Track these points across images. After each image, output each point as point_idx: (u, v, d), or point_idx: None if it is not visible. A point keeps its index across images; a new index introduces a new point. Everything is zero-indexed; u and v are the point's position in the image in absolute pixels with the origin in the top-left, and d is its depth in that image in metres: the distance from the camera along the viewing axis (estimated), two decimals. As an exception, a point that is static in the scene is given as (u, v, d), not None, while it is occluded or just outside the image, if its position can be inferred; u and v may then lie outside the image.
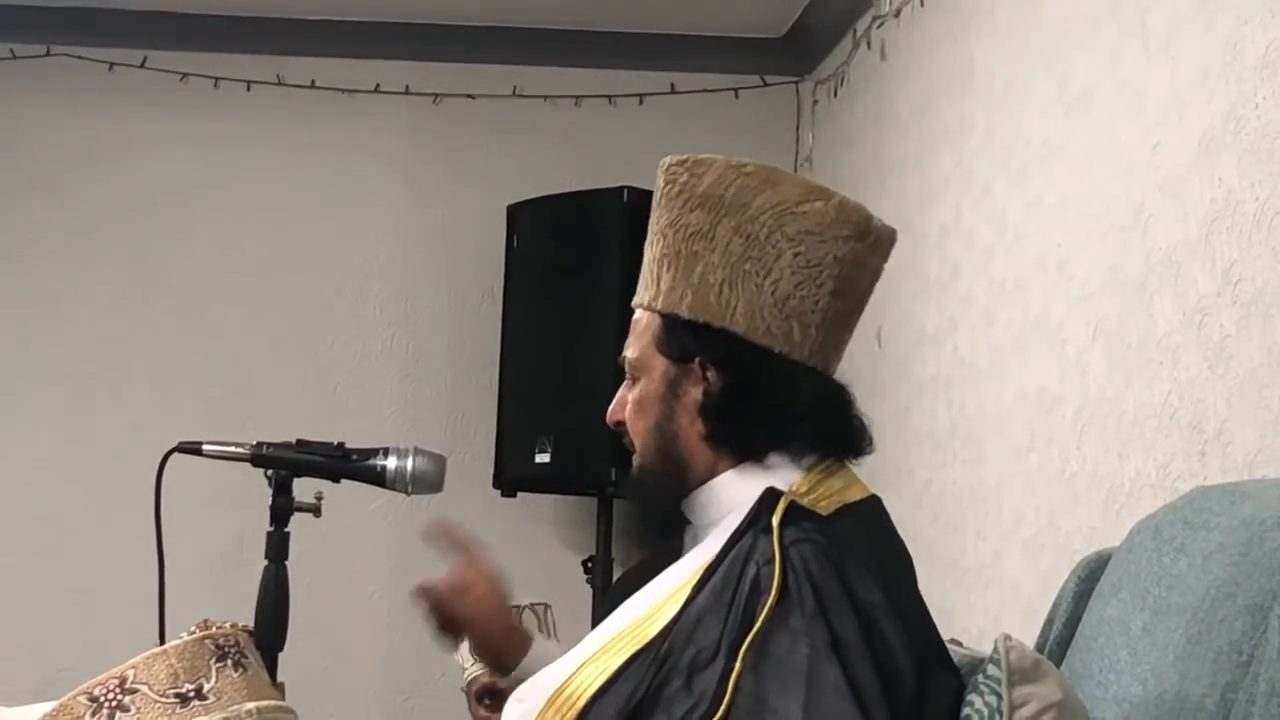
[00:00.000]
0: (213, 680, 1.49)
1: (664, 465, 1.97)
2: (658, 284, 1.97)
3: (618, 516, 4.82)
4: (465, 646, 3.16)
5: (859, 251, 1.96)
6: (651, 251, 2.00)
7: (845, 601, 1.78)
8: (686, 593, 1.85)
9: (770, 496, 1.86)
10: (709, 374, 1.94)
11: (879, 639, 1.77)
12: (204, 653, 1.50)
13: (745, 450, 1.94)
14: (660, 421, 1.97)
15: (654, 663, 1.81)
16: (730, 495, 1.93)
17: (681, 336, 1.95)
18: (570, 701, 1.84)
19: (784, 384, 1.93)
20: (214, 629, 1.58)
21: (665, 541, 2.01)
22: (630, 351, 2.01)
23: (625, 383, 2.03)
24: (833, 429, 1.95)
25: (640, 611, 1.90)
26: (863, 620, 1.77)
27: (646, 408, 1.98)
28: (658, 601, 1.89)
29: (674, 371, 1.96)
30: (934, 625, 1.92)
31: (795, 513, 1.84)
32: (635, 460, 2.02)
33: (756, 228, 1.93)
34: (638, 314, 2.02)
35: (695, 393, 1.95)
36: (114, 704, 1.44)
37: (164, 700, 1.45)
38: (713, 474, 1.96)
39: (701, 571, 1.86)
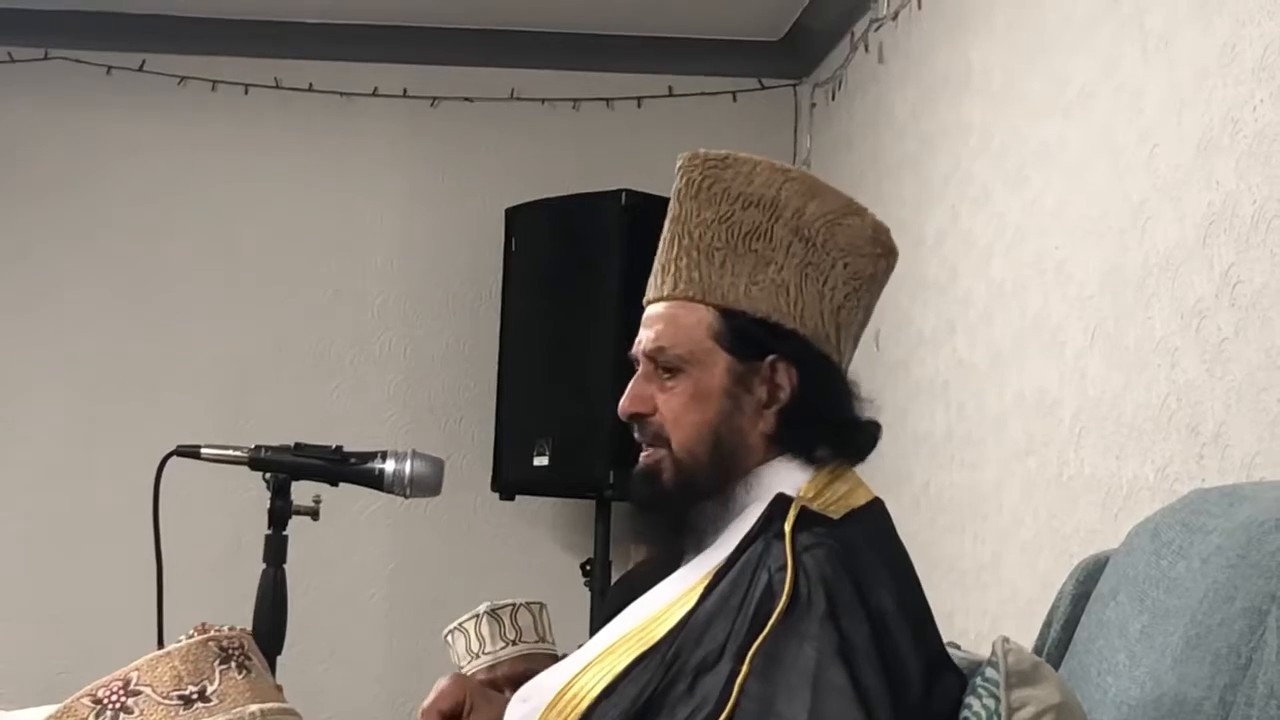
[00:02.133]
0: (216, 682, 1.49)
1: (713, 458, 1.93)
2: (703, 277, 1.94)
3: (616, 519, 4.82)
4: (461, 644, 3.17)
5: (883, 270, 2.00)
6: (688, 243, 1.95)
7: (859, 607, 1.78)
8: (695, 597, 1.85)
9: (781, 502, 1.86)
10: (779, 374, 1.93)
11: (890, 645, 1.78)
12: (208, 654, 1.50)
13: (803, 450, 1.94)
14: (723, 415, 1.93)
15: (660, 665, 1.81)
16: (767, 486, 1.91)
17: (753, 333, 1.93)
18: (574, 703, 1.83)
19: (839, 389, 1.96)
20: (214, 631, 1.58)
21: (675, 536, 1.98)
22: (668, 343, 1.95)
23: (642, 375, 1.98)
24: (870, 435, 1.98)
25: (647, 614, 1.89)
26: (875, 626, 1.78)
27: (704, 402, 1.93)
28: (665, 604, 1.89)
29: (740, 368, 1.93)
30: (937, 628, 1.92)
31: (807, 518, 1.84)
32: (659, 455, 1.96)
33: (812, 234, 1.94)
34: (663, 307, 1.97)
35: (761, 391, 1.93)
36: (117, 706, 1.44)
37: (167, 702, 1.45)
38: (761, 463, 1.94)
39: (710, 576, 1.86)
